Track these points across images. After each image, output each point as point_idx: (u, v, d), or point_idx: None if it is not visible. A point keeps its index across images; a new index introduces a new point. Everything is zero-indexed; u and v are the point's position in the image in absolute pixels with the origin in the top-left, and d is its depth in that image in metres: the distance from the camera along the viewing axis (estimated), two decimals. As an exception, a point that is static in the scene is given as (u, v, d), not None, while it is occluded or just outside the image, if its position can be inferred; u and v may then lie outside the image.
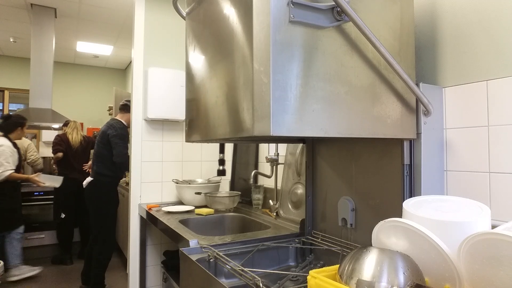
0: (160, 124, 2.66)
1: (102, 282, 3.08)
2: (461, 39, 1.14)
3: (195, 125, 1.25)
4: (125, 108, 2.99)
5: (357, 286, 0.77)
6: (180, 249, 1.38)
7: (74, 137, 4.09)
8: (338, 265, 0.87)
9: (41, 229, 4.30)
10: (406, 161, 1.13)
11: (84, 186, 3.04)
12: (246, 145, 2.60)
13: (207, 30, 1.16)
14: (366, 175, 1.29)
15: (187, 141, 1.33)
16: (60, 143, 4.03)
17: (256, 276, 1.01)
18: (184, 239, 1.54)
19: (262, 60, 0.87)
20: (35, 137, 5.93)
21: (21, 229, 3.55)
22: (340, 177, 1.42)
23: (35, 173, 4.15)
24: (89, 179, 3.00)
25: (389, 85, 1.05)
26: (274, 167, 2.10)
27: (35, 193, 4.30)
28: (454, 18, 1.17)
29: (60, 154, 4.01)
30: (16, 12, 4.29)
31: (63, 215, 3.99)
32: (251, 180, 2.18)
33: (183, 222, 1.97)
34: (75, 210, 4.08)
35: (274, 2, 0.87)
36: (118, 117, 3.02)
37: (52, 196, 4.27)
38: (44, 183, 3.61)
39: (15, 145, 3.49)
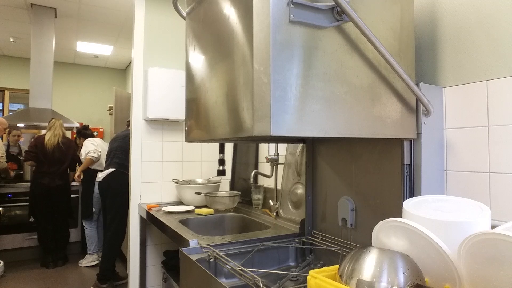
0: (160, 124, 2.66)
1: (111, 269, 3.28)
2: (461, 39, 1.14)
3: (195, 125, 1.25)
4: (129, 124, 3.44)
5: (357, 286, 0.77)
6: (180, 249, 1.38)
7: (50, 140, 3.81)
8: (338, 265, 0.87)
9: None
10: (406, 161, 1.13)
11: (100, 179, 3.29)
12: (246, 145, 2.60)
13: (207, 30, 1.16)
14: (366, 175, 1.29)
15: (187, 141, 1.33)
16: (32, 149, 3.84)
17: (256, 276, 1.01)
18: (184, 239, 1.54)
19: (262, 60, 0.87)
20: (34, 137, 5.93)
21: None
22: (340, 177, 1.42)
23: None
24: (109, 170, 3.23)
25: (389, 85, 1.05)
26: (274, 167, 2.10)
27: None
28: (454, 18, 1.17)
29: (29, 163, 3.92)
30: (16, 12, 4.29)
31: (31, 219, 3.95)
32: (251, 180, 2.18)
33: (183, 222, 1.97)
34: (50, 214, 3.92)
35: (274, 2, 0.87)
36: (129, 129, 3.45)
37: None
38: None
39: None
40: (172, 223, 1.88)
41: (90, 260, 4.06)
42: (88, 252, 4.08)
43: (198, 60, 1.23)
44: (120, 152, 3.26)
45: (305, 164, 1.60)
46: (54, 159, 3.86)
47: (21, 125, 4.32)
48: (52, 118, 3.99)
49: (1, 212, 4.11)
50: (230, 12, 1.01)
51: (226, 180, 2.83)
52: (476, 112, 1.09)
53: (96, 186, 3.91)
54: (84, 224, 4.07)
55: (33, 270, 3.88)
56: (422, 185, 1.11)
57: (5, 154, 3.90)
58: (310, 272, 0.87)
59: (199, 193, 2.37)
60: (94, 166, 4.01)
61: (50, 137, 3.83)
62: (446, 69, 1.19)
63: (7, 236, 4.11)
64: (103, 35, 5.07)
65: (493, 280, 0.72)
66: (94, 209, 4.01)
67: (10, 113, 5.56)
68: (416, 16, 1.30)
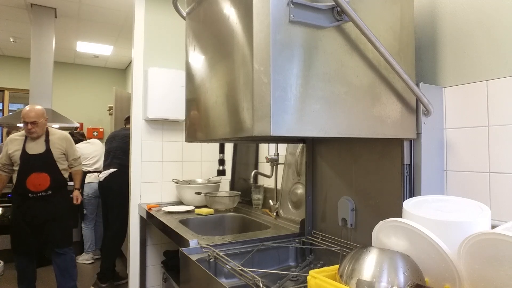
0: (160, 124, 2.66)
1: (111, 268, 3.29)
2: (461, 39, 1.14)
3: (195, 125, 1.25)
4: (129, 120, 3.44)
5: (357, 286, 0.77)
6: (180, 249, 1.38)
7: None
8: (338, 265, 0.87)
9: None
10: (406, 161, 1.13)
11: (101, 179, 3.32)
12: (246, 145, 2.60)
13: (207, 30, 1.16)
14: (366, 175, 1.29)
15: (187, 141, 1.33)
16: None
17: (256, 276, 1.01)
18: (184, 239, 1.54)
19: (262, 60, 0.87)
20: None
21: None
22: (340, 177, 1.42)
23: None
24: (110, 170, 3.26)
25: (389, 85, 1.05)
26: (274, 167, 2.09)
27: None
28: (454, 18, 1.17)
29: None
30: (16, 12, 4.29)
31: None
32: (251, 180, 2.18)
33: (183, 222, 1.97)
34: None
35: (274, 2, 0.87)
36: (128, 127, 3.43)
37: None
38: None
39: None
40: (172, 223, 1.88)
41: (85, 258, 4.12)
42: (84, 250, 4.13)
43: (198, 60, 1.23)
44: (120, 152, 3.28)
45: (305, 164, 1.60)
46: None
47: (21, 125, 4.31)
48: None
49: (1, 212, 4.10)
50: (230, 12, 1.01)
51: (226, 180, 2.83)
52: (476, 112, 1.09)
53: (87, 188, 3.95)
54: (82, 223, 4.13)
55: (33, 270, 3.88)
56: (422, 185, 1.11)
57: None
58: (310, 272, 0.87)
59: (199, 193, 2.37)
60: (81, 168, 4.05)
61: None
62: (446, 69, 1.19)
63: (7, 236, 4.10)
64: (103, 35, 5.07)
65: (493, 280, 0.72)
66: (85, 211, 4.03)
67: (10, 113, 5.56)
68: (416, 16, 1.30)
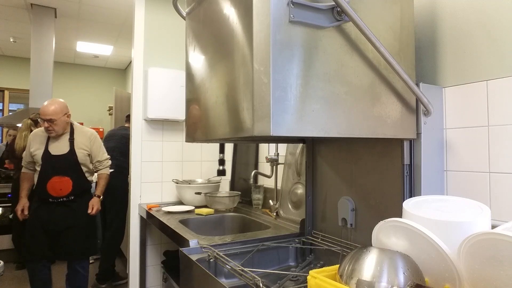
0: (160, 124, 2.66)
1: (110, 269, 3.28)
2: (461, 39, 1.14)
3: (195, 125, 1.25)
4: (129, 118, 3.42)
5: (357, 286, 0.77)
6: (180, 249, 1.38)
7: (18, 144, 3.27)
8: (338, 265, 0.87)
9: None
10: (406, 161, 1.13)
11: None
12: (246, 145, 2.60)
13: (207, 30, 1.16)
14: (366, 175, 1.29)
15: (187, 141, 1.33)
16: (6, 155, 3.65)
17: (256, 276, 1.01)
18: (184, 239, 1.54)
19: (262, 60, 0.87)
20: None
21: None
22: (340, 177, 1.42)
23: None
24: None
25: (389, 85, 1.05)
26: (274, 167, 2.09)
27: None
28: (454, 18, 1.17)
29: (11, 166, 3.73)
30: (16, 12, 4.29)
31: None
32: (251, 180, 2.18)
33: (183, 222, 1.97)
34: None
35: (274, 2, 0.87)
36: (127, 125, 3.45)
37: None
38: None
39: None
40: (172, 223, 1.88)
41: None
42: None
43: (198, 60, 1.23)
44: (117, 153, 3.27)
45: (305, 164, 1.60)
46: None
47: (20, 125, 4.31)
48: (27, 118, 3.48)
49: (1, 212, 4.09)
50: (230, 12, 1.01)
51: (226, 180, 2.83)
52: (476, 112, 1.09)
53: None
54: None
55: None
56: (422, 185, 1.11)
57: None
58: (310, 272, 0.87)
59: (199, 193, 2.37)
60: None
61: (17, 141, 3.35)
62: (446, 69, 1.19)
63: (7, 236, 4.10)
64: (103, 35, 5.07)
65: (493, 280, 0.72)
66: None
67: (10, 113, 5.56)
68: (416, 16, 1.30)
